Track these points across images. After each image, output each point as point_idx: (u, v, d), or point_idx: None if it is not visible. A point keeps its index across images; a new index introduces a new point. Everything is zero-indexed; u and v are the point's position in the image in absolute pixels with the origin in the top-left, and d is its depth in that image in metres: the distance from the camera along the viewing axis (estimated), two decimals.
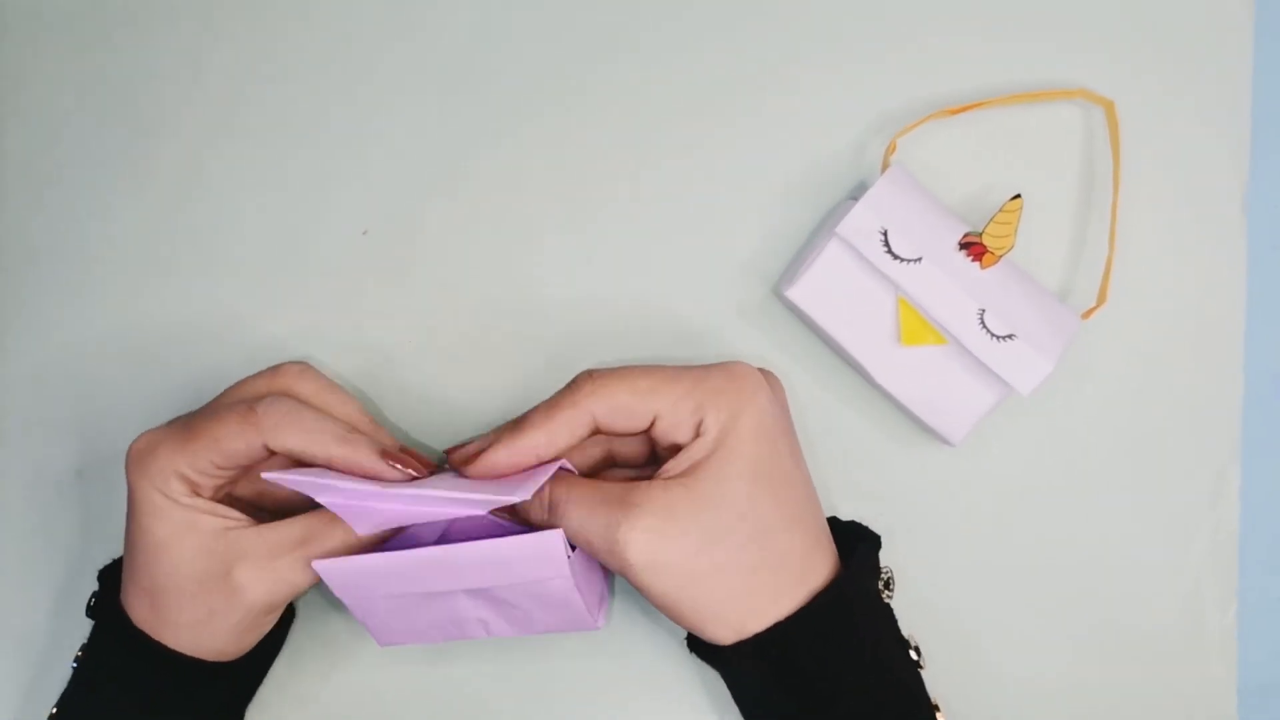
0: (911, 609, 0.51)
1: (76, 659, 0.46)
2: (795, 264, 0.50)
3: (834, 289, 0.47)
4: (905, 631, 0.46)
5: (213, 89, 0.51)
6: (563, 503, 0.42)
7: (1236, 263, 0.51)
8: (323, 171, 0.51)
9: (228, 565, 0.43)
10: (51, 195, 0.51)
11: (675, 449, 0.43)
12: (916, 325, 0.47)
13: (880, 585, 0.45)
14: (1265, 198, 0.51)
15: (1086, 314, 0.48)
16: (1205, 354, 0.51)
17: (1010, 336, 0.46)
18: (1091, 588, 0.51)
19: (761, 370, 0.45)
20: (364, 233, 0.51)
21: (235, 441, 0.43)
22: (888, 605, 0.45)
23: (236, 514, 0.44)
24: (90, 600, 0.47)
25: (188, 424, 0.44)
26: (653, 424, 0.43)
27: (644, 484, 0.42)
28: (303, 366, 0.46)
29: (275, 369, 0.46)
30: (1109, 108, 0.50)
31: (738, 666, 0.44)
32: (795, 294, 0.47)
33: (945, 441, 0.48)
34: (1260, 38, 0.50)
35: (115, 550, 0.47)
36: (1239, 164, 0.50)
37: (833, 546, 0.44)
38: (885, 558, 0.50)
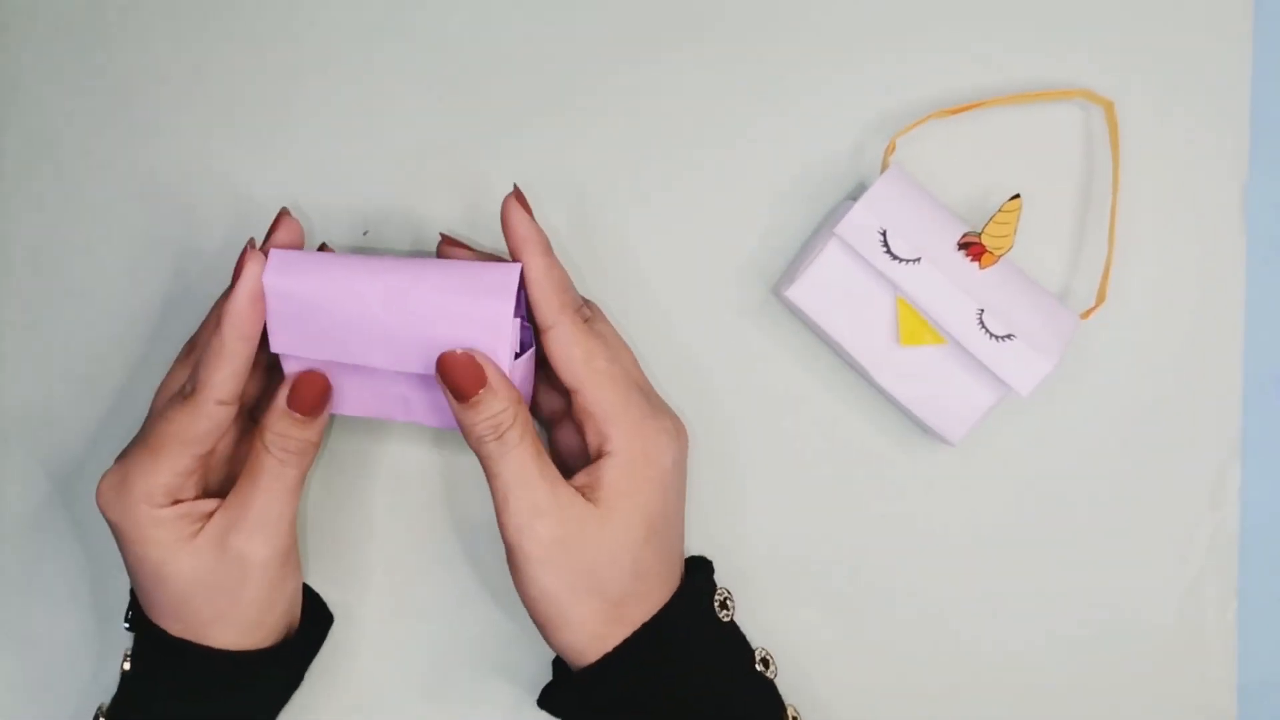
0: (910, 608, 0.51)
1: (124, 669, 0.47)
2: (795, 264, 0.50)
3: (833, 289, 0.47)
4: (759, 643, 0.48)
5: (212, 89, 0.51)
6: (505, 452, 0.43)
7: (1236, 262, 0.51)
8: (323, 171, 0.51)
9: (223, 548, 0.44)
10: (51, 195, 0.51)
11: (591, 442, 0.45)
12: (915, 325, 0.47)
13: (717, 606, 0.47)
14: (1264, 198, 0.51)
15: (1086, 314, 0.48)
16: (1204, 353, 0.51)
17: (1009, 336, 0.46)
18: (1091, 587, 0.51)
19: (673, 420, 0.46)
20: (364, 233, 0.51)
21: (193, 426, 0.43)
22: (729, 623, 0.47)
23: (209, 504, 0.45)
24: (127, 612, 0.47)
25: (144, 442, 0.44)
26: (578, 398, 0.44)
27: (569, 489, 0.44)
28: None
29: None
30: (1108, 108, 0.50)
31: (583, 709, 0.46)
32: (794, 294, 0.48)
33: (944, 441, 0.48)
34: (1259, 39, 0.50)
35: (116, 549, 0.47)
36: (1238, 164, 0.50)
37: (677, 580, 0.46)
38: (883, 556, 0.51)
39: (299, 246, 0.46)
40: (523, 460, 0.43)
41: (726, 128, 0.51)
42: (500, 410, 0.43)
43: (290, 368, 0.45)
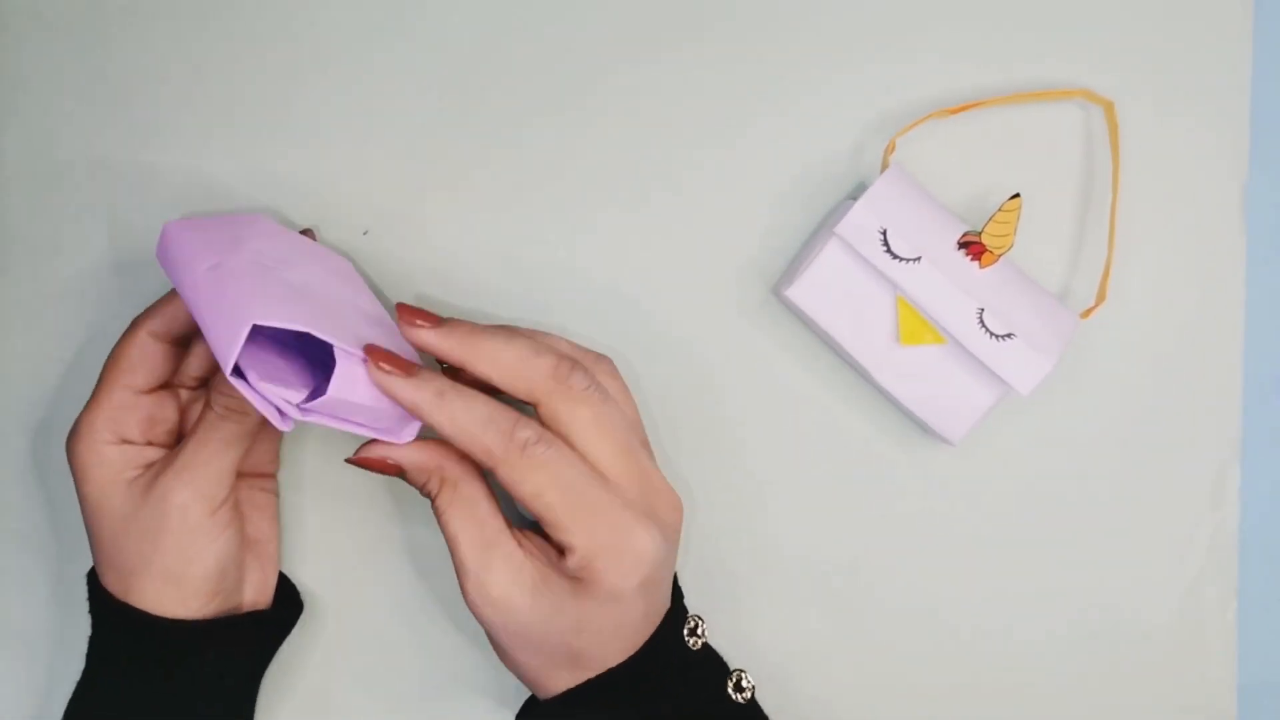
0: (911, 608, 0.51)
1: (86, 655, 0.46)
2: (795, 264, 0.50)
3: (833, 288, 0.47)
4: (733, 665, 0.47)
5: (212, 89, 0.51)
6: (442, 504, 0.43)
7: (1236, 262, 0.51)
8: (323, 172, 0.51)
9: (149, 488, 0.44)
10: (52, 196, 0.51)
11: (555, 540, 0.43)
12: (915, 325, 0.47)
13: (685, 634, 0.46)
14: (1264, 198, 0.51)
15: (1086, 313, 0.49)
16: (1205, 353, 0.51)
17: (1009, 336, 0.46)
18: (1091, 587, 0.51)
19: (653, 520, 0.44)
20: (364, 233, 0.51)
21: (125, 355, 0.45)
22: (699, 650, 0.46)
23: (161, 451, 0.46)
24: (89, 594, 0.47)
25: (100, 380, 0.46)
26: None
27: (509, 550, 0.43)
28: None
29: None
30: (1108, 108, 0.50)
31: None
32: (794, 293, 0.48)
33: (944, 441, 0.48)
34: (1259, 38, 0.51)
35: None
36: (1238, 164, 0.50)
37: (645, 634, 0.45)
38: (883, 555, 0.51)
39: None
40: (455, 524, 0.43)
41: (726, 128, 0.51)
42: (423, 482, 0.44)
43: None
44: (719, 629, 0.50)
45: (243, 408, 0.45)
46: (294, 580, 0.50)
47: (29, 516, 0.52)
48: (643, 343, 0.50)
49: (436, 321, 0.43)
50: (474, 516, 0.43)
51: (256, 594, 0.48)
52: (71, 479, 0.45)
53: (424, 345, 0.43)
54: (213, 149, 0.51)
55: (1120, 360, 0.51)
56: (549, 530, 0.42)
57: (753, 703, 0.47)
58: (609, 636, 0.44)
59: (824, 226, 0.50)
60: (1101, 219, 0.50)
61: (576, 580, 0.42)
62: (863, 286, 0.47)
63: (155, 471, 0.45)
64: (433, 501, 0.44)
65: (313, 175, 0.51)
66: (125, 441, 0.45)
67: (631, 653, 0.44)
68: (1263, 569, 0.51)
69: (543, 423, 0.43)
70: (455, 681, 0.51)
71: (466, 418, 0.42)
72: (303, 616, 0.50)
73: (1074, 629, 0.51)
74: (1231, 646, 0.51)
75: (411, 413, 0.42)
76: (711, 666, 0.47)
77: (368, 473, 0.49)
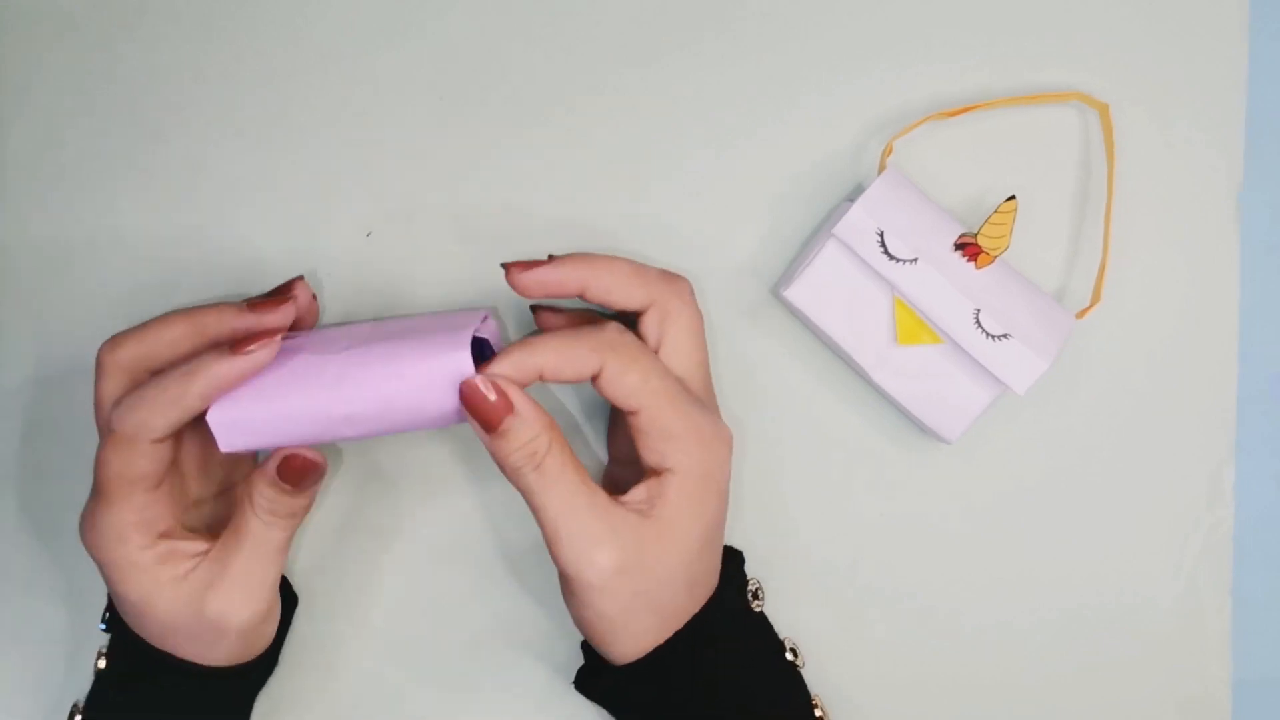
0: (909, 607, 0.51)
1: (98, 666, 0.47)
2: (793, 265, 0.50)
3: (831, 289, 0.48)
4: (782, 635, 0.48)
5: (215, 90, 0.51)
6: (549, 483, 0.41)
7: (1230, 263, 0.51)
8: (325, 173, 0.51)
9: (201, 604, 0.43)
10: (53, 196, 0.51)
11: (649, 459, 0.43)
12: (912, 325, 0.47)
13: (749, 597, 0.47)
14: (1258, 200, 0.51)
15: (1081, 314, 0.49)
16: (1200, 353, 0.51)
17: (1005, 336, 0.46)
18: (1087, 585, 0.51)
19: (726, 428, 0.45)
20: (367, 234, 0.51)
21: (132, 466, 0.42)
22: (759, 614, 0.47)
23: (198, 544, 0.44)
24: (104, 614, 0.47)
25: (96, 484, 0.43)
26: (634, 414, 0.43)
27: (622, 511, 0.42)
28: (108, 343, 0.44)
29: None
30: (1104, 110, 0.50)
31: (621, 697, 0.46)
32: (793, 294, 0.48)
33: (942, 440, 0.48)
34: (1255, 41, 0.51)
35: None
36: (1233, 166, 0.51)
37: (718, 576, 0.46)
38: (881, 554, 0.51)
39: (309, 317, 0.47)
40: (568, 489, 0.41)
41: (725, 129, 0.51)
42: (533, 438, 0.41)
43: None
44: None
45: (290, 512, 0.43)
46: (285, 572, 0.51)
47: (29, 517, 0.52)
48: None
49: (546, 260, 0.44)
50: (588, 483, 0.42)
51: (246, 644, 0.47)
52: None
53: (543, 282, 0.43)
54: (215, 151, 0.51)
55: (1116, 360, 0.51)
56: (649, 424, 0.42)
57: (801, 674, 0.48)
58: (712, 552, 0.44)
59: (822, 228, 0.50)
60: (1097, 220, 0.51)
61: (683, 485, 0.42)
62: (860, 287, 0.48)
63: (204, 582, 0.43)
64: (536, 467, 0.41)
65: (314, 177, 0.51)
66: (163, 537, 0.43)
67: (708, 597, 0.45)
68: (1258, 567, 0.51)
69: (647, 325, 0.44)
70: (452, 676, 0.52)
71: (558, 340, 0.42)
72: (296, 613, 0.51)
73: (1070, 627, 0.51)
74: (1226, 643, 0.51)
75: (570, 286, 0.43)
76: (770, 632, 0.48)
77: (350, 469, 0.50)
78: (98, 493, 0.43)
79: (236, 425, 0.42)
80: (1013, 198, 0.45)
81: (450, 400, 0.41)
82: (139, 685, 0.46)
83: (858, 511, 0.51)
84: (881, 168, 0.49)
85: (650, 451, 0.43)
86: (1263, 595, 0.52)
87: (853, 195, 0.50)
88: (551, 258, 0.44)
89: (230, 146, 0.51)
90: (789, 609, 0.51)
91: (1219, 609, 0.51)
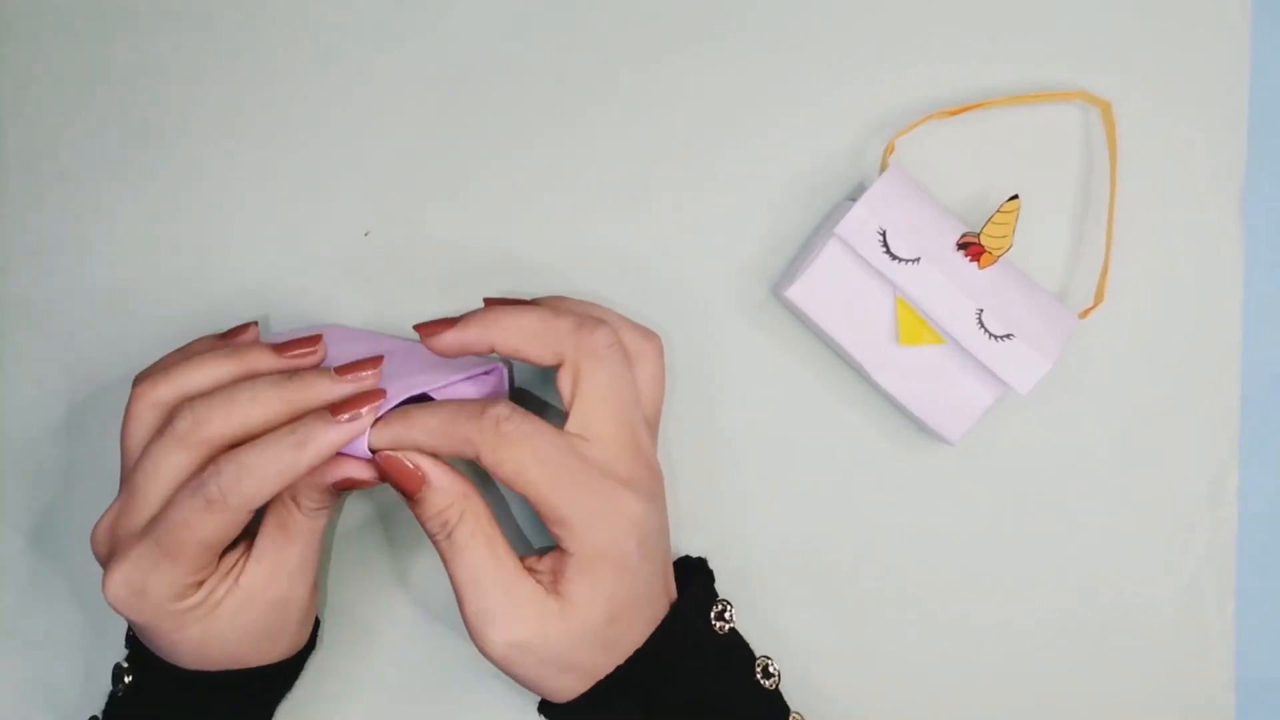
0: (910, 608, 0.51)
1: (117, 669, 0.47)
2: (795, 264, 0.50)
3: (833, 289, 0.48)
4: (772, 643, 0.48)
5: (213, 89, 0.51)
6: (455, 552, 0.42)
7: (1233, 262, 0.51)
8: (324, 172, 0.51)
9: (264, 598, 0.44)
10: (52, 196, 0.51)
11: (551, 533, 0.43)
12: (915, 325, 0.47)
13: (712, 617, 0.46)
14: (1262, 199, 0.51)
15: (1084, 314, 0.49)
16: (1203, 353, 0.51)
17: (1008, 336, 0.46)
18: (1090, 586, 0.51)
19: (637, 488, 0.44)
20: (365, 234, 0.51)
21: (221, 532, 0.41)
22: (728, 634, 0.46)
23: (236, 553, 0.44)
24: (129, 631, 0.47)
25: (158, 543, 0.41)
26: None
27: (529, 585, 0.42)
28: (145, 380, 0.43)
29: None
30: (1106, 109, 0.50)
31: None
32: (794, 294, 0.48)
33: (944, 441, 0.48)
34: (1257, 39, 0.51)
35: None
36: (1235, 165, 0.51)
37: (670, 593, 0.46)
38: (883, 556, 0.51)
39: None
40: (474, 560, 0.42)
41: (727, 129, 0.51)
42: (445, 507, 0.42)
43: None
44: None
45: (330, 503, 0.44)
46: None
47: (30, 517, 0.52)
48: None
49: (451, 322, 0.43)
50: (494, 552, 0.42)
51: (304, 628, 0.48)
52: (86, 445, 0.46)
53: (448, 347, 0.43)
54: (214, 150, 0.51)
55: (1119, 360, 0.51)
56: (539, 508, 0.42)
57: (777, 691, 0.47)
58: (634, 616, 0.43)
59: (824, 227, 0.50)
60: (1100, 219, 0.51)
61: (581, 567, 0.42)
62: (862, 287, 0.47)
63: (259, 582, 0.44)
64: (447, 536, 0.42)
65: (314, 177, 0.51)
66: (199, 584, 0.43)
67: (653, 628, 0.44)
68: (1261, 567, 0.51)
69: (561, 383, 0.43)
70: (449, 686, 0.51)
71: (435, 419, 0.42)
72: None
73: (1072, 627, 0.51)
74: (1230, 644, 0.51)
75: (476, 346, 0.43)
76: (739, 651, 0.47)
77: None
78: (161, 553, 0.41)
79: None
80: (1015, 197, 0.45)
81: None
82: (160, 692, 0.46)
83: (859, 513, 0.51)
84: (883, 167, 0.49)
85: (549, 528, 0.43)
86: (1266, 595, 0.51)
87: (854, 194, 0.50)
88: (459, 318, 0.43)
89: (229, 146, 0.51)
90: (789, 610, 0.51)
91: (1222, 609, 0.51)
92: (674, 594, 0.46)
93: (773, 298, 0.51)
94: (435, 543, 0.43)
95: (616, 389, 0.43)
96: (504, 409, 0.42)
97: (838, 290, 0.48)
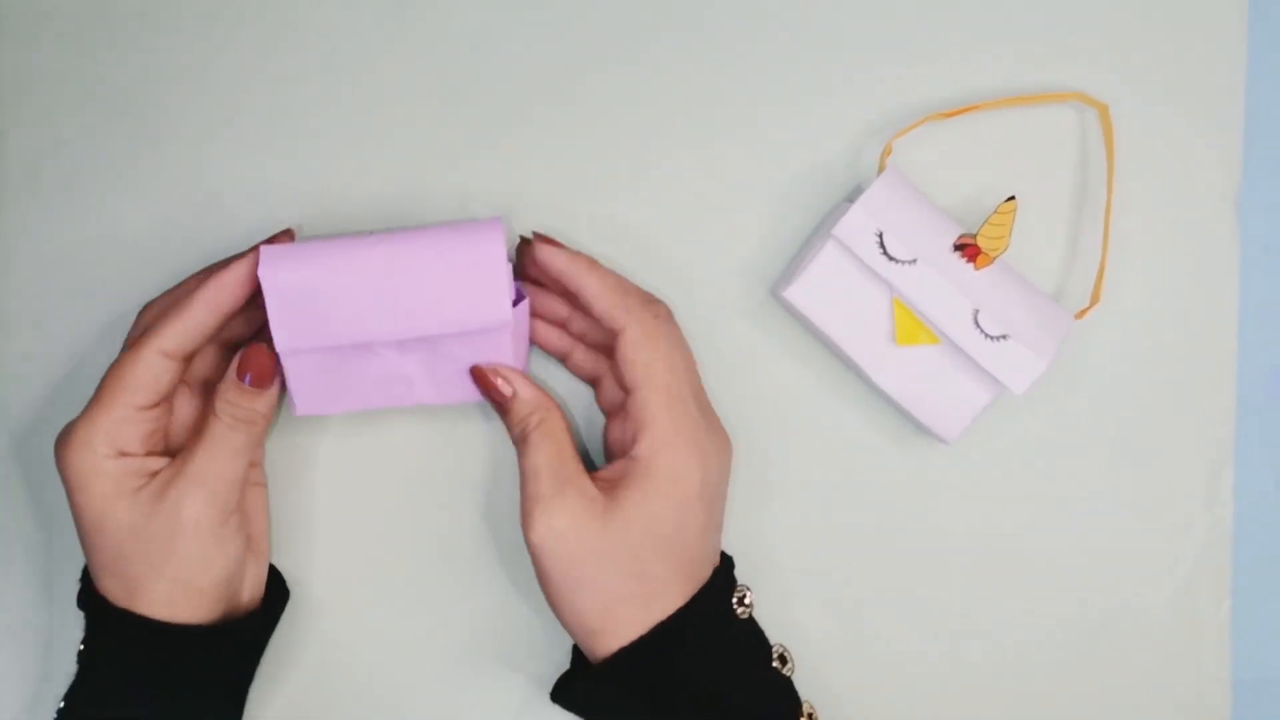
0: (907, 606, 0.51)
1: (79, 652, 0.46)
2: (792, 265, 0.50)
3: (830, 290, 0.48)
4: (778, 638, 0.49)
5: (214, 91, 0.51)
6: (529, 450, 0.46)
7: (1229, 263, 0.51)
8: (324, 172, 0.51)
9: (159, 499, 0.45)
10: (53, 196, 0.51)
11: (628, 441, 0.46)
12: (911, 325, 0.47)
13: (735, 604, 0.47)
14: (1257, 200, 0.51)
15: (1080, 314, 0.49)
16: (1199, 353, 0.51)
17: (1004, 336, 0.46)
18: (1086, 585, 0.51)
19: (715, 441, 0.47)
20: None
21: (132, 373, 0.44)
22: (746, 620, 0.47)
23: (160, 461, 0.46)
24: (79, 594, 0.47)
25: (97, 398, 0.45)
26: (627, 396, 0.46)
27: (584, 483, 0.45)
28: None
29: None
30: (1103, 111, 0.50)
31: (595, 703, 0.47)
32: (792, 295, 0.48)
33: (940, 440, 0.48)
34: (1253, 42, 0.51)
35: None
36: (1231, 166, 0.51)
37: (698, 582, 0.46)
38: (879, 553, 0.51)
39: None
40: (538, 454, 0.46)
41: (725, 130, 0.51)
42: (527, 415, 0.47)
43: (292, 366, 0.46)
44: None
45: (251, 417, 0.46)
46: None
47: (30, 516, 0.52)
48: None
49: (563, 248, 0.47)
50: (560, 452, 0.46)
51: (253, 590, 0.49)
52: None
53: (552, 262, 0.47)
54: (215, 151, 0.51)
55: (1115, 360, 0.51)
56: (634, 407, 0.45)
57: (791, 681, 0.48)
58: (672, 555, 0.45)
59: (821, 228, 0.50)
60: (1096, 221, 0.51)
61: (641, 475, 0.45)
62: (859, 288, 0.48)
63: (163, 482, 0.45)
64: (524, 437, 0.46)
65: (313, 176, 0.51)
66: (124, 455, 0.45)
67: (692, 593, 0.45)
68: (1256, 566, 0.52)
69: (629, 349, 0.46)
70: (441, 673, 0.52)
71: (612, 279, 0.47)
72: (288, 606, 0.50)
73: (1069, 626, 0.51)
74: (1226, 643, 0.51)
75: (568, 278, 0.46)
76: (757, 639, 0.48)
77: (341, 465, 0.51)
78: (91, 402, 0.45)
79: (284, 258, 0.45)
80: (1012, 198, 0.45)
81: (478, 295, 0.45)
82: (111, 666, 0.46)
83: (856, 511, 0.51)
84: (881, 168, 0.49)
85: (630, 432, 0.46)
86: (1261, 594, 0.52)
87: (852, 196, 0.50)
88: (569, 251, 0.47)
89: (228, 146, 0.51)
90: (787, 610, 0.51)
91: (1218, 608, 0.51)
92: (716, 562, 0.47)
93: (771, 298, 0.51)
94: (516, 446, 0.47)
95: (687, 360, 0.47)
96: (666, 309, 0.47)
97: (835, 291, 0.48)
